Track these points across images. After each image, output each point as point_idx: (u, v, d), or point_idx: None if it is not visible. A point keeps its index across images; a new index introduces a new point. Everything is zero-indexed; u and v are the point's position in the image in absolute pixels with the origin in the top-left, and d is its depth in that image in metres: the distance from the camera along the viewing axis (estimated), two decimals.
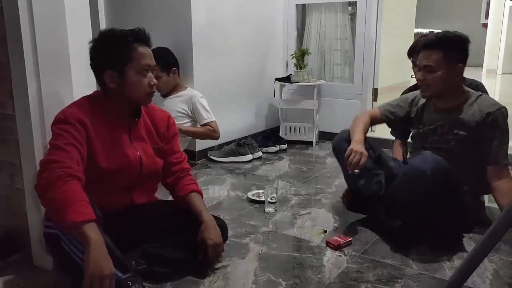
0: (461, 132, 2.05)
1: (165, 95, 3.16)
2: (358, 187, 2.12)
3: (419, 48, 2.44)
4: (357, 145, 2.04)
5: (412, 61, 2.51)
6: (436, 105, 2.15)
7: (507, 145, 1.99)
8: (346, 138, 2.18)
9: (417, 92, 2.20)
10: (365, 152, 2.02)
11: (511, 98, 5.92)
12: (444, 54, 1.99)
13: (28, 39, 1.61)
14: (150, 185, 1.85)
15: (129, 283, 1.43)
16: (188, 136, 3.10)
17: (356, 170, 1.99)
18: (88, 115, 1.59)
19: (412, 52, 2.50)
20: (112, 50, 1.62)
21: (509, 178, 2.00)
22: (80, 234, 1.32)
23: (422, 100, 2.22)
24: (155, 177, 1.83)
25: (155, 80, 1.68)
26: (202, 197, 1.89)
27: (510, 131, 2.05)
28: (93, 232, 1.33)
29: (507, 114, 2.02)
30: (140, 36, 1.65)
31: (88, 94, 1.71)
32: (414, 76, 2.52)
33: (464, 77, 2.12)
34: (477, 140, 2.04)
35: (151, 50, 3.11)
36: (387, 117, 2.31)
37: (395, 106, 2.31)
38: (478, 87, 2.48)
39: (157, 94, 3.15)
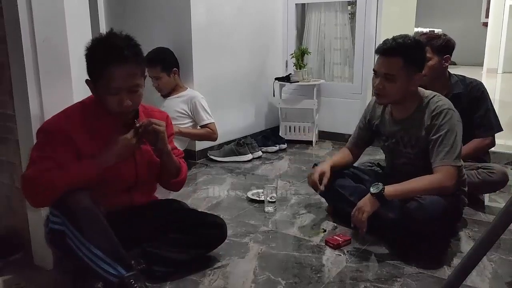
0: (420, 141, 1.99)
1: (166, 95, 3.16)
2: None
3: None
4: (317, 167, 2.20)
5: None
6: (393, 116, 2.10)
7: (453, 147, 1.87)
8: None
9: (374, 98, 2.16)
10: (325, 170, 2.16)
11: (511, 97, 5.93)
12: (404, 62, 1.90)
13: (27, 38, 1.62)
14: (149, 186, 1.85)
15: (132, 281, 1.43)
16: (187, 137, 3.10)
17: (322, 188, 2.15)
18: (76, 123, 1.57)
19: None
20: (89, 62, 1.56)
21: (439, 174, 1.87)
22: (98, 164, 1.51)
23: (379, 109, 2.18)
24: (154, 178, 1.83)
25: (128, 102, 1.55)
26: (185, 169, 1.86)
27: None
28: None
29: (457, 115, 1.93)
30: (115, 57, 1.52)
31: (86, 93, 1.70)
32: None
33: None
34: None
35: (153, 51, 3.08)
36: (360, 131, 2.31)
37: (361, 119, 2.32)
38: (478, 86, 2.48)
39: (157, 95, 3.17)
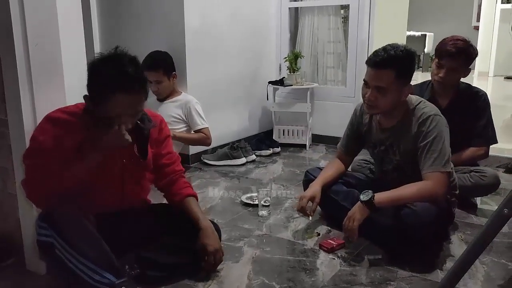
0: (408, 148, 1.98)
1: (162, 99, 3.15)
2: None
3: (452, 54, 2.36)
4: (307, 191, 2.16)
5: (438, 63, 2.46)
6: (381, 124, 2.08)
7: (441, 153, 1.87)
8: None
9: (360, 102, 2.16)
10: (315, 195, 2.12)
11: (502, 100, 5.97)
12: (396, 75, 1.87)
13: (20, 43, 1.60)
14: (140, 183, 1.83)
15: None
16: (181, 142, 3.09)
17: (310, 218, 2.16)
18: (68, 132, 1.56)
19: (440, 54, 2.44)
20: (93, 82, 1.53)
21: (429, 181, 1.87)
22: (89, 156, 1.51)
23: (366, 116, 2.16)
24: (143, 181, 1.83)
25: (128, 126, 1.56)
26: (197, 200, 1.88)
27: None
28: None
29: (444, 121, 1.94)
30: (122, 85, 1.49)
31: (79, 97, 1.69)
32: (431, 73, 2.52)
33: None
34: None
35: (154, 55, 3.08)
36: (348, 139, 2.28)
37: (348, 127, 2.29)
38: (483, 97, 2.50)
39: (153, 99, 3.16)
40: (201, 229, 1.75)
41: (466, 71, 2.46)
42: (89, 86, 1.55)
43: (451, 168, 1.96)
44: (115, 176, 1.69)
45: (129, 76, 1.50)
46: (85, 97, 1.57)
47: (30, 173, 1.54)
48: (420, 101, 2.01)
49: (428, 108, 1.97)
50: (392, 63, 1.87)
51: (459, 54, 2.38)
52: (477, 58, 2.51)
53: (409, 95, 2.02)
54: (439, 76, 2.44)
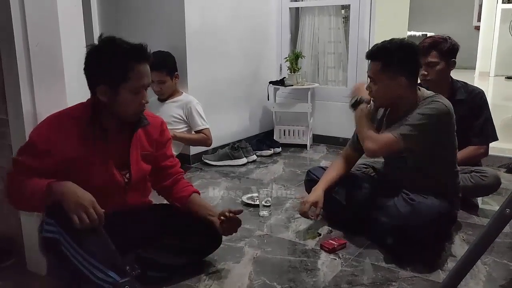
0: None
1: (163, 100, 3.15)
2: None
3: (424, 50, 2.39)
4: (310, 196, 2.13)
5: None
6: (388, 119, 2.09)
7: (408, 126, 1.87)
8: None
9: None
10: (318, 200, 2.08)
11: (503, 100, 5.97)
12: (382, 65, 1.90)
13: (20, 42, 1.61)
14: (143, 186, 1.83)
15: (127, 287, 1.42)
16: (181, 142, 3.09)
17: (312, 218, 2.11)
18: (59, 134, 1.54)
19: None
20: (109, 66, 1.53)
21: (380, 137, 1.92)
22: (54, 189, 1.42)
23: (379, 112, 2.15)
24: (143, 182, 1.82)
25: (147, 99, 1.62)
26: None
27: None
28: (62, 182, 1.44)
29: (449, 116, 1.92)
30: (141, 55, 1.57)
31: (79, 97, 1.68)
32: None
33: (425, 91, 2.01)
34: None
35: (157, 55, 3.11)
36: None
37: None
38: (480, 94, 2.49)
39: (154, 99, 3.16)
40: (214, 212, 1.83)
41: (448, 65, 2.44)
42: (102, 72, 1.54)
43: (455, 168, 1.95)
44: (118, 184, 1.69)
45: (140, 46, 1.58)
46: (98, 90, 1.55)
47: (15, 169, 1.52)
48: (434, 95, 1.95)
49: (431, 105, 1.89)
50: (379, 54, 1.93)
51: (429, 48, 2.42)
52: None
53: (424, 90, 2.00)
54: (421, 74, 2.44)
